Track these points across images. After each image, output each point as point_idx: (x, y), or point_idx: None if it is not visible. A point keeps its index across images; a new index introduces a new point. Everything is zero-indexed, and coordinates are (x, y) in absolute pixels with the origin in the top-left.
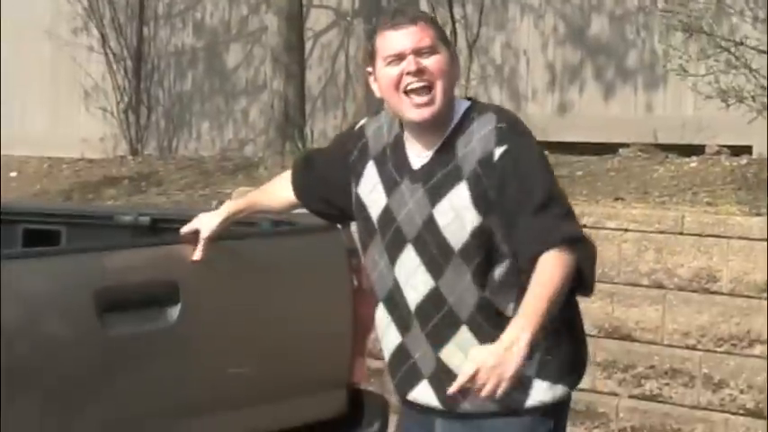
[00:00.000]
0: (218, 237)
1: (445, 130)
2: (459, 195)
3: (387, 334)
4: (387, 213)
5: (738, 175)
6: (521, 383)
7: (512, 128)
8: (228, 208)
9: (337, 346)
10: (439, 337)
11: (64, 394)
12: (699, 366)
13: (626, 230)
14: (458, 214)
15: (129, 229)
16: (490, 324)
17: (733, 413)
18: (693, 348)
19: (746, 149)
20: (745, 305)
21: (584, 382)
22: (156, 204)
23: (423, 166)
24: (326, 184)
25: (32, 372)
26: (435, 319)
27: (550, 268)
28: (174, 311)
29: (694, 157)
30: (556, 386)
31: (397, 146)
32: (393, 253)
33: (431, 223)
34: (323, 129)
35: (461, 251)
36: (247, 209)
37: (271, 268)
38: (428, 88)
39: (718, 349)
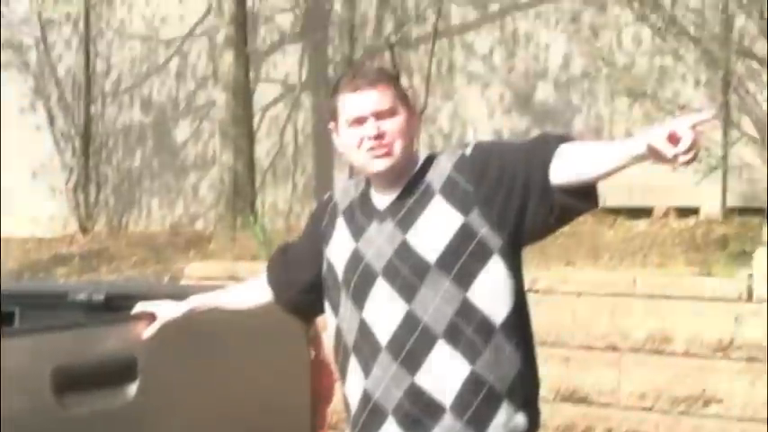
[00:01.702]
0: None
1: (409, 173)
2: (435, 208)
3: (351, 385)
4: (355, 256)
5: (687, 236)
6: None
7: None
8: (192, 303)
9: (297, 419)
10: (414, 362)
11: None
12: (656, 428)
13: (579, 294)
14: (434, 225)
15: (84, 307)
16: (472, 328)
17: None
18: (650, 410)
19: (694, 211)
20: (700, 365)
21: None
22: (108, 281)
23: (390, 205)
24: (302, 265)
25: None
26: (409, 344)
27: (581, 144)
28: (132, 389)
29: (643, 220)
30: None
31: (364, 197)
32: (360, 295)
33: (403, 247)
34: (273, 201)
35: (439, 261)
36: (212, 305)
37: (228, 341)
38: (388, 147)
39: (675, 410)
